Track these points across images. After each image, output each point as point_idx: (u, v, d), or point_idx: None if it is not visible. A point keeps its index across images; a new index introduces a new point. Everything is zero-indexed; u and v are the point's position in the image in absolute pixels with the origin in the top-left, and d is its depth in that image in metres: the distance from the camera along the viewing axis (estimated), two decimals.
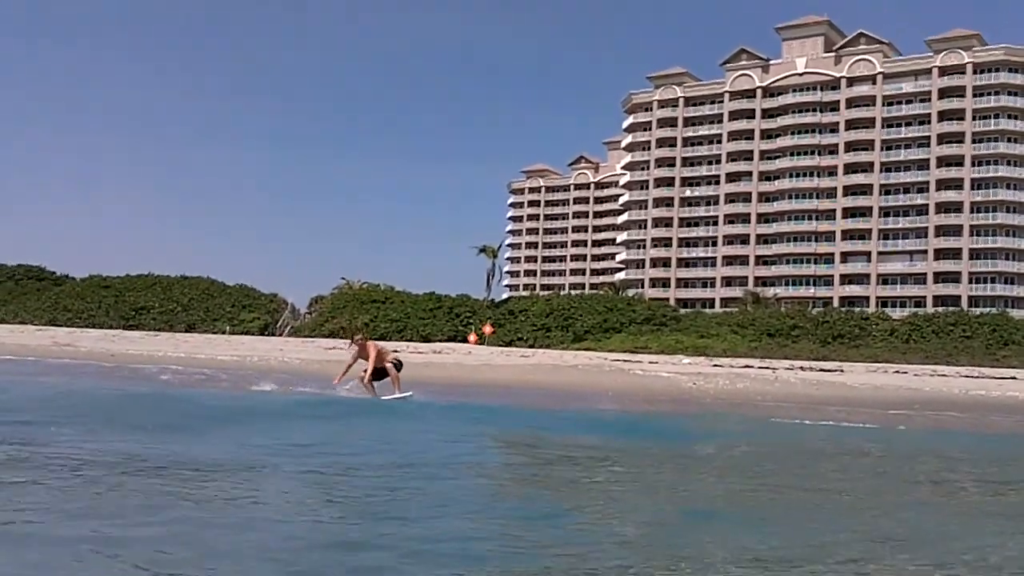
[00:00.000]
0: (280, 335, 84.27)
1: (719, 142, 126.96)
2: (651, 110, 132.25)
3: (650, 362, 46.00)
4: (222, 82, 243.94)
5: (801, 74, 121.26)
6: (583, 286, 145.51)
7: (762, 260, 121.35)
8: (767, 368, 43.11)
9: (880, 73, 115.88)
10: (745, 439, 12.72)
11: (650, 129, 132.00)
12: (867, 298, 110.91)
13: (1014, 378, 43.44)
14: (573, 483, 8.48)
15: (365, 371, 16.43)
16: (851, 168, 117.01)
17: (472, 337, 79.32)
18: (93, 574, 4.42)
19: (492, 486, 7.82)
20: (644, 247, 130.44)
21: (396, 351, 17.38)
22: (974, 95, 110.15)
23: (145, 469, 7.55)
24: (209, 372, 26.48)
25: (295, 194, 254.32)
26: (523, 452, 10.93)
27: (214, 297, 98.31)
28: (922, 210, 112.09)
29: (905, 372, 45.92)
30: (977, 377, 43.27)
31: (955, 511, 7.51)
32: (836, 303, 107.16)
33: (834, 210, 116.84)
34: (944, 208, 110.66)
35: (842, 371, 43.88)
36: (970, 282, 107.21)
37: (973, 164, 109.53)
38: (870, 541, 6.08)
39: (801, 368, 44.61)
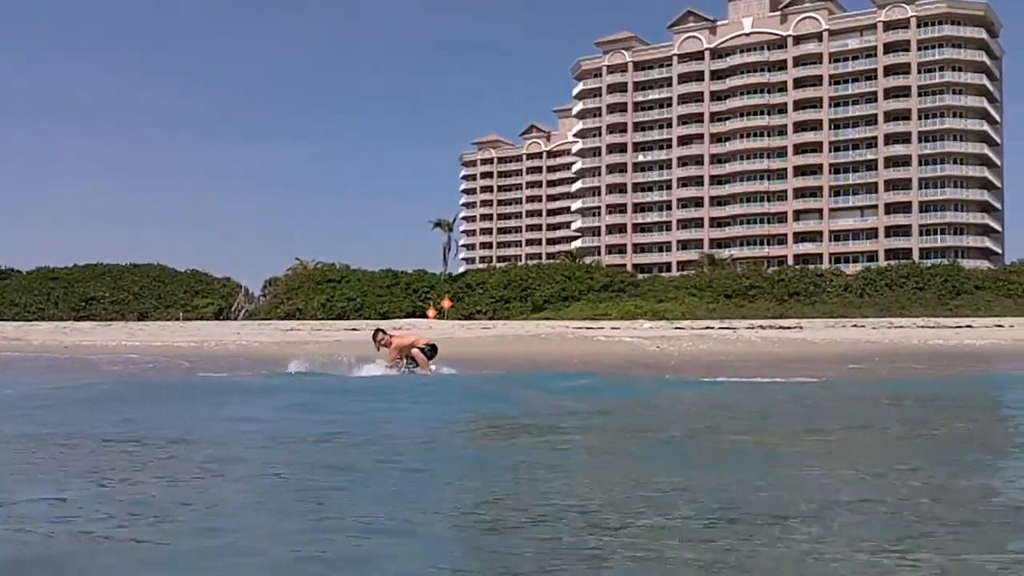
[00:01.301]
0: (235, 319, 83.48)
1: (669, 106, 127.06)
2: (600, 76, 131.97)
3: (612, 328, 46.07)
4: (164, 67, 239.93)
5: (748, 34, 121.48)
6: (540, 256, 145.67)
7: (716, 222, 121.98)
8: (728, 328, 43.41)
9: (826, 30, 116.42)
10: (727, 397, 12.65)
11: (600, 95, 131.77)
12: (820, 255, 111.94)
13: (970, 326, 44.16)
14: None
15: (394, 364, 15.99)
16: (800, 126, 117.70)
17: (431, 312, 79.13)
18: None
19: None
20: (599, 214, 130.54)
21: (419, 340, 16.60)
22: (919, 49, 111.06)
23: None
24: (165, 359, 26.03)
25: (244, 176, 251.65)
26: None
27: (166, 284, 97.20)
28: (871, 165, 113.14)
29: (863, 326, 46.48)
30: (933, 327, 43.86)
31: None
32: (790, 261, 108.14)
33: (785, 169, 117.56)
34: (893, 162, 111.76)
35: (801, 328, 44.32)
36: (920, 234, 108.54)
37: (920, 117, 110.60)
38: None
39: (761, 327, 44.98)
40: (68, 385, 15.35)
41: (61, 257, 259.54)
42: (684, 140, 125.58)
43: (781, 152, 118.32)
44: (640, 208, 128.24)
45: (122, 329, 53.99)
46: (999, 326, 44.20)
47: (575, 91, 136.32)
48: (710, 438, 8.12)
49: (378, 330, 16.50)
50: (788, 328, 43.10)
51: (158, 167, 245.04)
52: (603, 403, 11.58)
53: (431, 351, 16.06)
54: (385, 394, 12.44)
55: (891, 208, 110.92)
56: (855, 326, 45.97)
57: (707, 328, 43.74)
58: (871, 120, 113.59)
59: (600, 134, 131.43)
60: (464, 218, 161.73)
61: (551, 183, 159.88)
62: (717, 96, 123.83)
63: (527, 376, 17.46)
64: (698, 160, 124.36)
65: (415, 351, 15.84)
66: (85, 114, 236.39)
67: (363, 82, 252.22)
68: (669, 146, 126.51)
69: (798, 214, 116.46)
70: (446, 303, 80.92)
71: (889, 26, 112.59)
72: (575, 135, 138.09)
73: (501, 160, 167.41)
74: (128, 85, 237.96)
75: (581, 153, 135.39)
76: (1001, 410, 10.78)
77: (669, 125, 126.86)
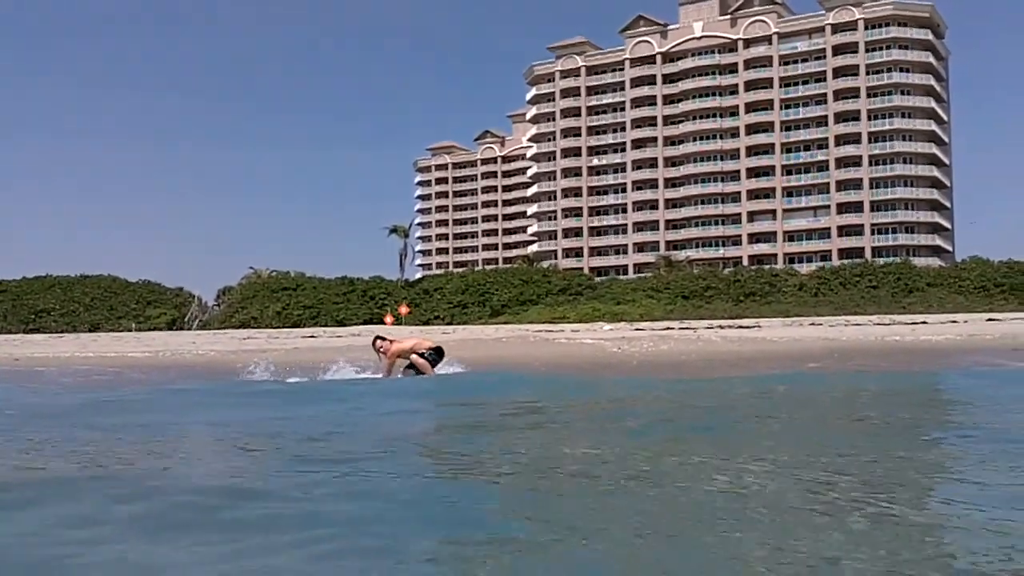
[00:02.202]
0: (189, 329, 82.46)
1: (623, 110, 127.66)
2: (554, 81, 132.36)
3: (572, 331, 45.98)
4: (111, 73, 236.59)
5: (699, 38, 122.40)
6: (496, 261, 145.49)
7: (672, 224, 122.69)
8: (688, 329, 43.50)
9: (775, 33, 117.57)
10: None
11: (554, 100, 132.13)
12: (775, 255, 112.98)
13: (925, 323, 44.62)
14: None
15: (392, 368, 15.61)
16: (752, 128, 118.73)
17: (388, 318, 78.58)
18: None
19: None
20: (555, 218, 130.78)
21: (420, 344, 16.15)
22: (867, 50, 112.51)
23: None
24: (116, 370, 25.47)
25: (194, 185, 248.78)
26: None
27: (117, 295, 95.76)
28: (823, 166, 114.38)
29: (820, 323, 46.81)
30: (889, 324, 44.24)
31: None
32: (746, 262, 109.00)
33: (738, 171, 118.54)
34: (844, 163, 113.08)
35: (760, 327, 44.50)
36: (872, 233, 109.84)
37: (869, 118, 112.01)
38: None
39: (720, 327, 45.12)
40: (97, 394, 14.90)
41: (8, 270, 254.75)
42: (638, 143, 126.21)
43: (734, 154, 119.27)
44: (596, 211, 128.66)
45: (74, 341, 53.01)
46: (953, 322, 44.71)
47: (529, 96, 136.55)
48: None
49: (377, 337, 16.08)
50: (747, 328, 43.26)
51: (106, 176, 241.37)
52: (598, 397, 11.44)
53: (434, 355, 15.63)
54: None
55: (843, 208, 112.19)
56: (812, 324, 46.27)
57: (667, 329, 43.80)
58: (822, 121, 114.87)
59: (554, 138, 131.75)
60: (420, 224, 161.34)
61: (506, 188, 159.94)
62: (670, 99, 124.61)
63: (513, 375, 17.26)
64: (652, 163, 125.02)
65: (414, 356, 15.40)
66: (25, 121, 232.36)
67: (315, 88, 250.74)
68: (623, 149, 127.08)
69: (752, 215, 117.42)
70: (403, 309, 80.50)
71: (837, 28, 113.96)
72: (529, 140, 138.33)
73: (456, 166, 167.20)
74: (71, 91, 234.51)
75: (536, 158, 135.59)
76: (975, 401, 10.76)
77: (623, 129, 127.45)
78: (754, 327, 43.88)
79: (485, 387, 13.76)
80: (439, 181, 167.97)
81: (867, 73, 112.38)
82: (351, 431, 8.51)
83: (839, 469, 5.56)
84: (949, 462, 6.05)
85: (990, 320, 45.42)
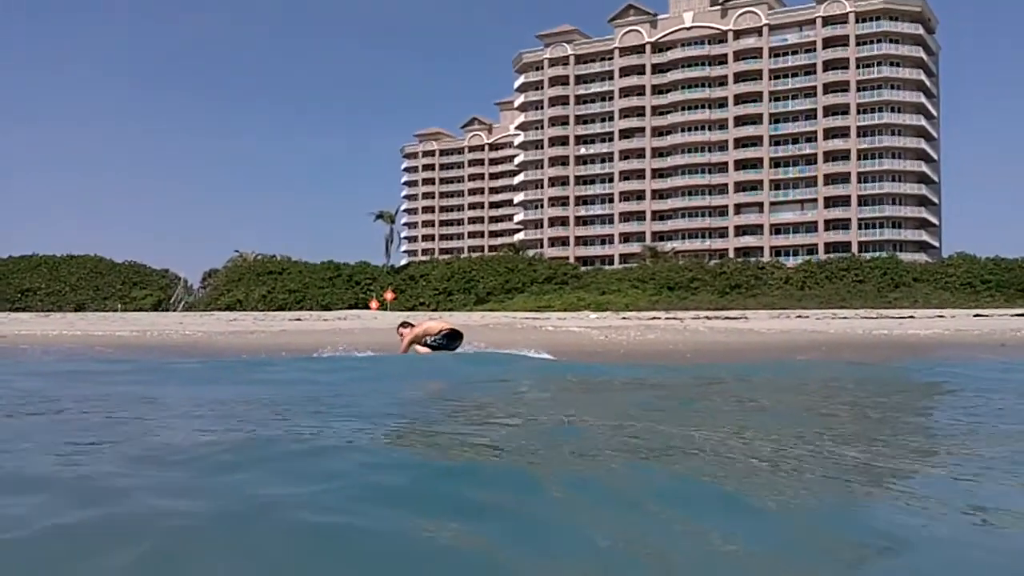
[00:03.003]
0: (175, 311, 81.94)
1: (611, 99, 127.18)
2: (542, 69, 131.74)
3: (558, 319, 45.67)
4: (98, 53, 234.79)
5: (689, 28, 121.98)
6: (482, 248, 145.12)
7: (658, 215, 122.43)
8: (674, 319, 43.22)
9: (766, 25, 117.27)
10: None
11: (542, 88, 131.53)
12: (761, 248, 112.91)
13: (912, 317, 44.51)
14: None
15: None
16: (741, 120, 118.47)
17: (373, 304, 78.17)
18: None
19: None
20: (541, 207, 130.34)
21: (433, 328, 16.28)
22: (857, 44, 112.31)
23: None
24: (105, 350, 25.03)
25: (180, 168, 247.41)
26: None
27: (103, 275, 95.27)
28: (811, 159, 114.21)
29: (807, 316, 46.65)
30: (876, 318, 44.10)
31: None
32: (732, 254, 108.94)
33: (726, 163, 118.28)
34: (832, 157, 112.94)
35: (747, 318, 44.28)
36: (859, 228, 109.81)
37: (858, 112, 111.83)
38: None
39: (707, 318, 44.90)
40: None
41: None
42: (626, 133, 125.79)
43: (722, 146, 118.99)
44: (582, 201, 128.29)
45: (61, 319, 52.46)
46: (940, 316, 44.64)
47: (517, 84, 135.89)
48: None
49: (403, 323, 16.41)
50: (734, 319, 43.03)
51: (93, 158, 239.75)
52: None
53: (443, 339, 15.69)
54: None
55: (831, 202, 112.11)
56: (799, 316, 46.09)
57: (654, 319, 43.52)
58: (811, 114, 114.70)
59: (542, 127, 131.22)
60: (406, 210, 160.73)
61: (493, 176, 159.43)
62: (658, 89, 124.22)
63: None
64: (640, 154, 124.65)
65: (416, 346, 15.64)
66: (14, 103, 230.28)
67: (304, 74, 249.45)
68: (611, 139, 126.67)
69: (739, 207, 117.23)
70: (389, 295, 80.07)
71: (828, 21, 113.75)
72: (517, 128, 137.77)
73: (443, 152, 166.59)
74: (58, 73, 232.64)
75: (523, 146, 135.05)
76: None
77: (611, 119, 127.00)
78: (741, 319, 43.65)
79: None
80: (426, 168, 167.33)
81: (857, 67, 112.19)
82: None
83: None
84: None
85: (977, 316, 45.33)
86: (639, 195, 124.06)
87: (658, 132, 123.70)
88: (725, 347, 26.90)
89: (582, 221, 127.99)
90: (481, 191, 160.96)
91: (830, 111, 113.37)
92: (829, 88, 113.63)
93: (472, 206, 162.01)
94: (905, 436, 6.64)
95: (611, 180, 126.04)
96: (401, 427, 6.84)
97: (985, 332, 34.11)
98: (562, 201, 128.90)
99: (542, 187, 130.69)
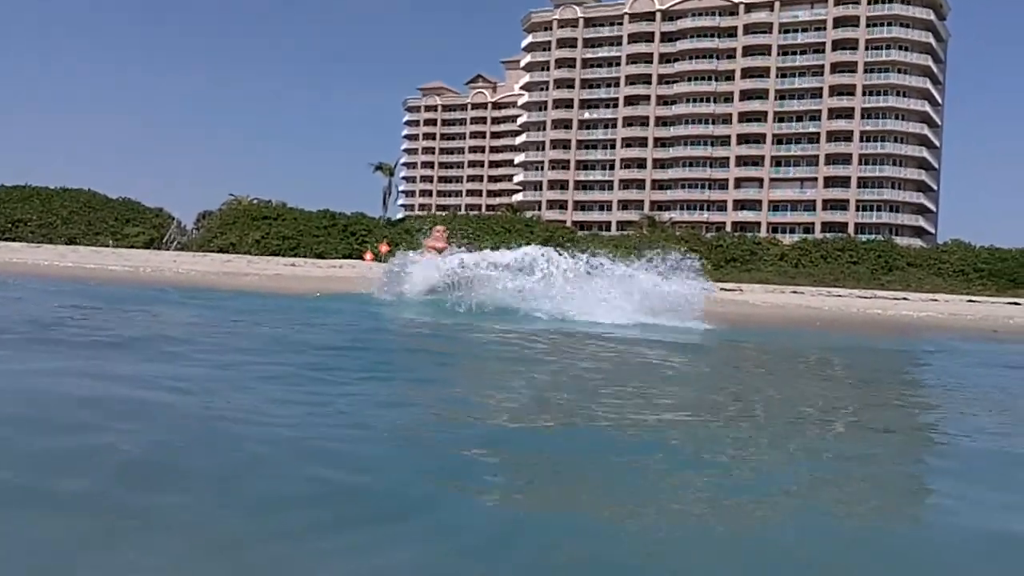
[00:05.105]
0: (167, 250, 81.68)
1: (618, 65, 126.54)
2: (551, 30, 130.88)
3: None
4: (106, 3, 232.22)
5: None
6: (480, 207, 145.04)
7: (658, 184, 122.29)
8: None
9: (777, 0, 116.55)
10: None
11: (549, 50, 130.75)
12: (759, 223, 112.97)
13: (906, 299, 44.70)
14: None
15: None
16: (747, 95, 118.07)
17: (368, 255, 77.89)
18: None
19: None
20: (542, 168, 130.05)
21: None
22: (868, 25, 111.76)
23: None
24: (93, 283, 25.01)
25: (178, 109, 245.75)
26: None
27: (96, 210, 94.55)
28: (813, 138, 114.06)
29: (802, 292, 46.81)
30: (870, 298, 44.28)
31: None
32: (729, 228, 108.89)
33: (729, 136, 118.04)
34: (835, 136, 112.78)
35: (742, 291, 44.42)
36: (857, 210, 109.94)
37: (864, 94, 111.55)
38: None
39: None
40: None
41: None
42: (631, 100, 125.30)
43: (726, 119, 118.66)
44: (583, 166, 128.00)
45: (52, 250, 52.30)
46: (934, 300, 44.84)
47: (524, 43, 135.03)
48: None
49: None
50: (729, 290, 43.13)
51: (91, 93, 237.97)
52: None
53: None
54: None
55: (830, 182, 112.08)
56: (795, 292, 46.27)
57: None
58: (816, 93, 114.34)
59: (547, 88, 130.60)
60: (405, 164, 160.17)
61: (495, 135, 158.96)
62: (666, 58, 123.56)
63: None
64: (643, 121, 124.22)
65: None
66: (11, 36, 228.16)
67: (309, 22, 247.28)
68: (615, 105, 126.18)
69: (739, 182, 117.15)
70: (384, 247, 79.68)
71: (839, 0, 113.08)
72: (522, 88, 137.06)
73: (445, 108, 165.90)
74: (61, 14, 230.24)
75: (527, 106, 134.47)
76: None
77: (617, 84, 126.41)
78: (736, 290, 43.77)
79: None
80: (428, 122, 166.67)
81: (866, 48, 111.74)
82: None
83: None
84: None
85: (970, 302, 45.57)
86: (640, 163, 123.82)
87: (663, 101, 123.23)
88: (721, 317, 27.04)
89: (582, 186, 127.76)
90: (482, 149, 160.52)
91: (836, 91, 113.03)
92: (837, 68, 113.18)
93: (472, 164, 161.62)
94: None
95: (613, 146, 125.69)
96: None
97: (978, 318, 34.33)
98: (563, 164, 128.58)
99: (543, 149, 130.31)
